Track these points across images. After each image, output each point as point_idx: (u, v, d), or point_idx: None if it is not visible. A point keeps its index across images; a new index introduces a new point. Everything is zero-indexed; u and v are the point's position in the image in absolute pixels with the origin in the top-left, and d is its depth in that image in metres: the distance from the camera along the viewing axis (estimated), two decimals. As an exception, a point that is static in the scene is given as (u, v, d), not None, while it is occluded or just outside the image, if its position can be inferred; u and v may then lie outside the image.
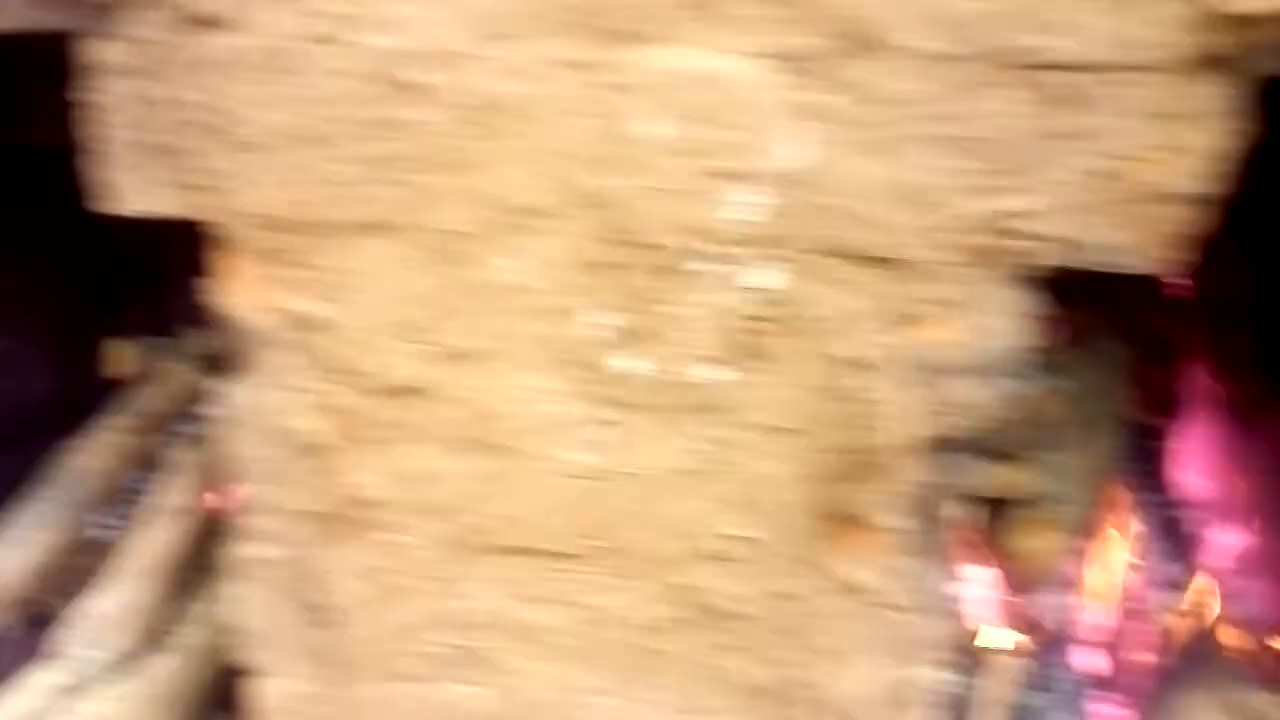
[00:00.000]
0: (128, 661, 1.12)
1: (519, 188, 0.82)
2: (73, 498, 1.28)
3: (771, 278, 0.81)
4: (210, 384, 1.25)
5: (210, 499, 1.27)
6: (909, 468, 0.86)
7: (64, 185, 0.91)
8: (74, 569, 1.22)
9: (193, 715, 1.17)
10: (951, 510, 0.92)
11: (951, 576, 0.94)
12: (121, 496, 1.31)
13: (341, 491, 0.93)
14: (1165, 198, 0.75)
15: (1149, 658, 1.29)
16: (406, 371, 0.89)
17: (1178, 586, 1.35)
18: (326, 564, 0.96)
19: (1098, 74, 0.74)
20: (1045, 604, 1.29)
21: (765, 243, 0.80)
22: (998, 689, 1.23)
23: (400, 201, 0.83)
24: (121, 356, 1.53)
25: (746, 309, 0.83)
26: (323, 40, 0.80)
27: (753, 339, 0.84)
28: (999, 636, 1.26)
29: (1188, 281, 1.51)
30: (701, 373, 0.86)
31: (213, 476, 1.26)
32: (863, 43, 0.75)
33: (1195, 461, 1.51)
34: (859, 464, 0.86)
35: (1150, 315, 1.55)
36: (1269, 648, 1.36)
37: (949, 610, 0.95)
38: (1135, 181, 0.75)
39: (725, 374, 0.85)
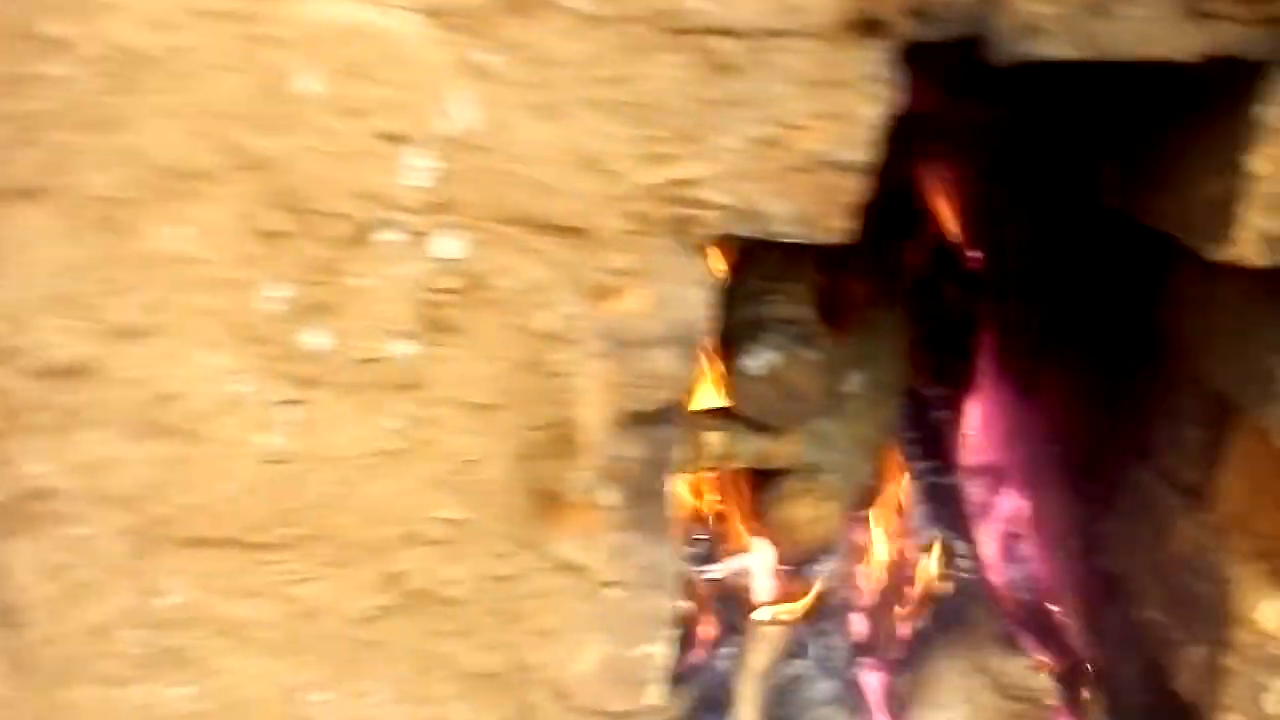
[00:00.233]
0: None
1: (173, 148, 0.75)
2: None
3: (452, 246, 0.77)
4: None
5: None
6: (610, 442, 0.83)
7: None
8: None
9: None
10: (671, 485, 0.90)
11: (678, 551, 0.92)
12: None
13: (13, 482, 0.86)
14: (826, 165, 0.74)
15: (912, 624, 1.31)
16: (70, 351, 0.81)
17: (948, 553, 1.37)
18: (6, 560, 0.88)
19: (758, 40, 0.71)
20: (814, 573, 1.30)
21: (441, 209, 0.76)
22: (760, 659, 1.23)
23: (46, 164, 0.76)
24: None
25: (433, 280, 0.79)
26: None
27: (441, 311, 0.79)
28: (764, 607, 1.26)
29: (977, 254, 1.53)
30: (393, 348, 0.81)
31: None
32: (521, 1, 0.71)
33: (973, 430, 1.54)
34: (562, 440, 0.83)
35: (936, 287, 1.57)
36: (1032, 611, 1.40)
37: (677, 586, 0.92)
38: (797, 150, 0.74)
39: (417, 349, 0.81)
